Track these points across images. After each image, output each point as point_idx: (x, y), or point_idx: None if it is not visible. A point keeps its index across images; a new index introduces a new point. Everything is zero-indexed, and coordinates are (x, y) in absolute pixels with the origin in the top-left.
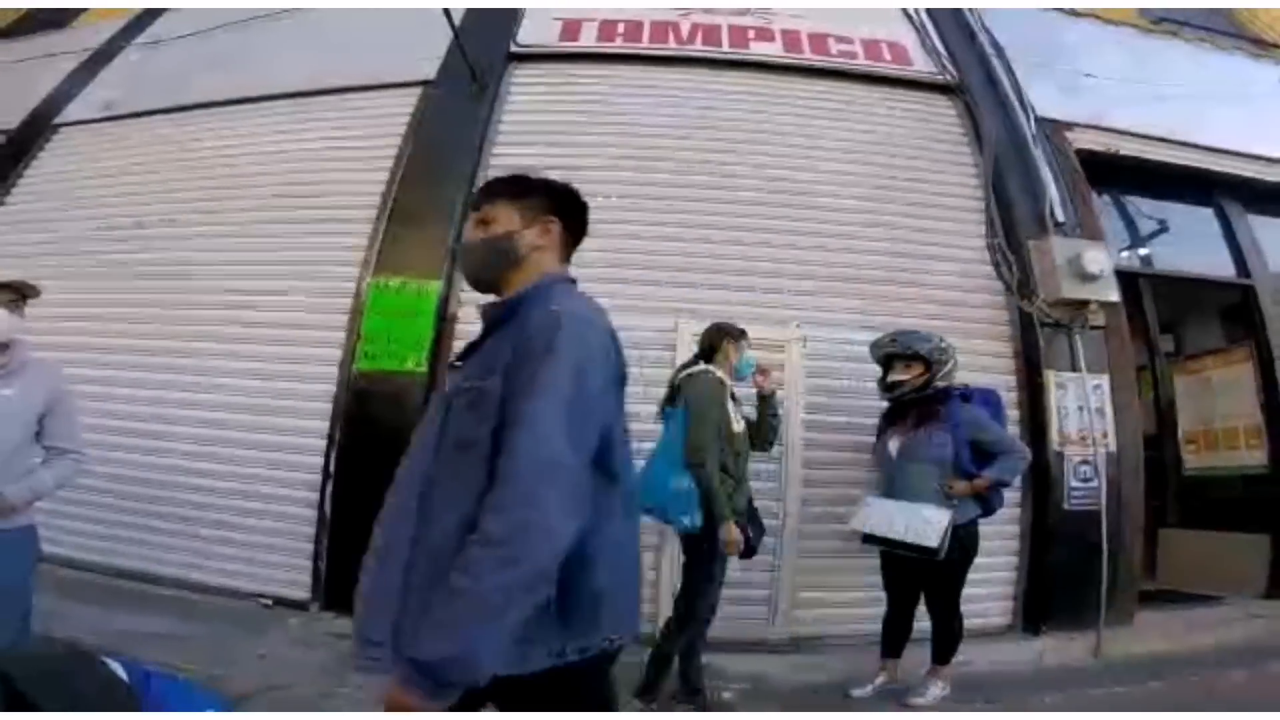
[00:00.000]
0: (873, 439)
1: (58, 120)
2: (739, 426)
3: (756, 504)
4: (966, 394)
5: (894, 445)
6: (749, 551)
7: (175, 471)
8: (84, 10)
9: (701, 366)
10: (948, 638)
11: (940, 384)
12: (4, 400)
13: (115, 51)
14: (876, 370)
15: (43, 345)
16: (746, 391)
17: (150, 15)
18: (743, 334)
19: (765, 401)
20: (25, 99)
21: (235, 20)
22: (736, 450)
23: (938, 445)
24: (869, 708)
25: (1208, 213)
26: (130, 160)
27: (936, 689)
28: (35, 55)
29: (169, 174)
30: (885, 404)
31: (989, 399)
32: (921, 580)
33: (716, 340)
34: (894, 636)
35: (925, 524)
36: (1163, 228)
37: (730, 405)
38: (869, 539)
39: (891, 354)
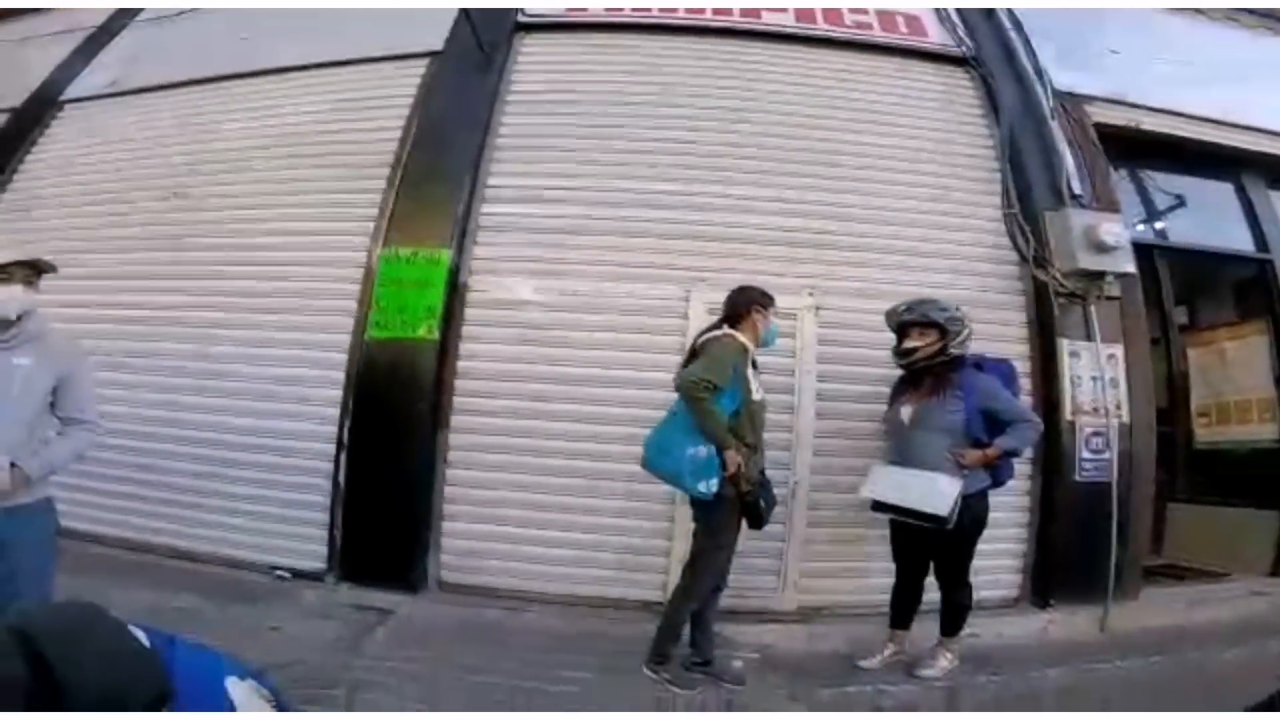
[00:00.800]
0: (884, 409)
1: (64, 97)
2: (759, 395)
3: (769, 471)
4: (980, 363)
5: (906, 413)
6: (758, 521)
7: (188, 443)
8: None
9: (724, 330)
10: (956, 609)
11: (954, 351)
12: (19, 370)
13: (120, 27)
14: (889, 340)
15: (53, 318)
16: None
17: None
18: (770, 300)
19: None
20: (30, 76)
21: None
22: (753, 417)
23: (950, 413)
24: (877, 679)
25: (1228, 188)
26: (138, 135)
27: (944, 661)
28: (40, 33)
29: (177, 148)
30: (899, 373)
31: (1003, 369)
32: (931, 550)
33: (743, 307)
34: (903, 607)
35: (935, 493)
36: (1180, 202)
37: (751, 372)
38: (878, 506)
39: (907, 321)
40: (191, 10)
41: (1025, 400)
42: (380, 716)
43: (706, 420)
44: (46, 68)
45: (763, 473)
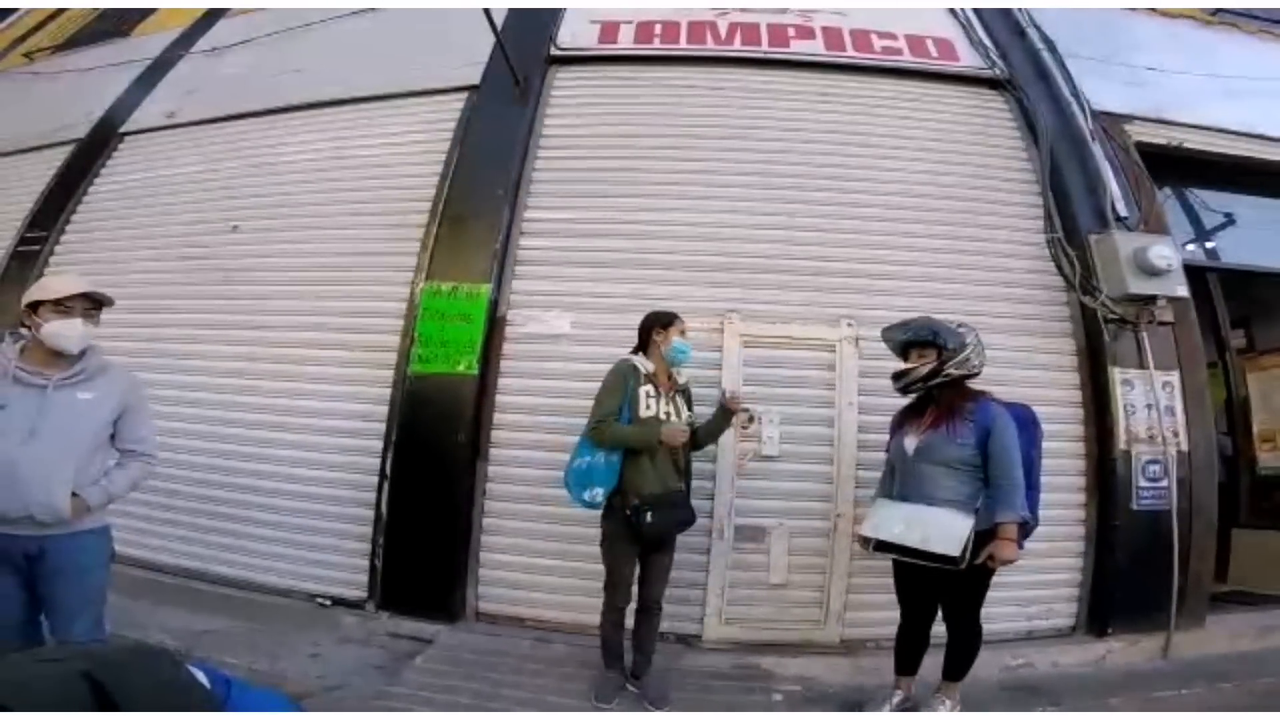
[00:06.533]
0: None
1: (124, 129)
2: (649, 412)
3: (811, 504)
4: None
5: (910, 444)
6: (639, 536)
7: (235, 473)
8: (143, 18)
9: (624, 355)
10: (964, 651)
11: (953, 372)
12: (82, 404)
13: (174, 60)
14: None
15: (109, 349)
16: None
17: (205, 23)
18: (671, 321)
19: (727, 415)
20: (92, 108)
21: (286, 29)
22: None
23: (959, 446)
24: None
25: (1278, 205)
26: (192, 167)
27: (945, 708)
28: (100, 65)
29: (228, 181)
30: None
31: (1021, 416)
32: (939, 590)
33: (644, 333)
34: (909, 652)
35: (945, 532)
36: (1230, 220)
37: (645, 390)
38: (881, 546)
39: (905, 341)
40: (242, 43)
41: (1075, 430)
42: (381, 717)
43: (620, 443)
44: (111, 98)
45: (676, 492)
